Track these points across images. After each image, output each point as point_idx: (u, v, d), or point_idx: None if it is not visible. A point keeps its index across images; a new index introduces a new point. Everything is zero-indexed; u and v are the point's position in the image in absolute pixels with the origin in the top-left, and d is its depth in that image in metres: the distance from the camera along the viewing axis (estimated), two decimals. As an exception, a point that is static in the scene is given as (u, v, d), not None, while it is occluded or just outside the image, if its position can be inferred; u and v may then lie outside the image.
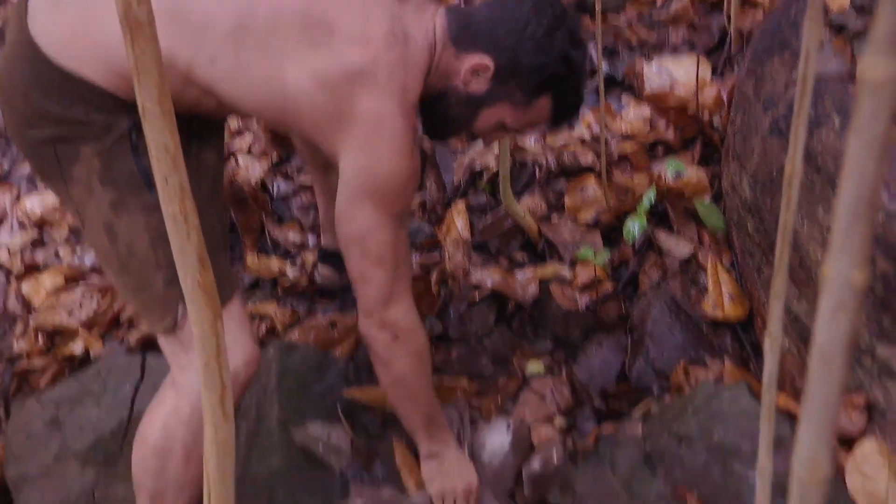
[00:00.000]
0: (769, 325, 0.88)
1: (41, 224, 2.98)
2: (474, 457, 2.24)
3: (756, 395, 1.80)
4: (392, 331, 1.86)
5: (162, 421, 1.78)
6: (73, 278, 2.70)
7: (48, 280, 2.65)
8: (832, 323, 0.52)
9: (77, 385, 2.34)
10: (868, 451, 1.72)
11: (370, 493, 2.05)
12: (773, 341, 0.90)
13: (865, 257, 0.53)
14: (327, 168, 2.45)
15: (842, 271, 0.52)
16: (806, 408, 0.55)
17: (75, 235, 2.94)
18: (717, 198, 2.56)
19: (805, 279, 1.85)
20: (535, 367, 2.52)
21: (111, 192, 1.64)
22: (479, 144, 2.92)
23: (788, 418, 1.74)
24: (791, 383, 1.95)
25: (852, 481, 1.71)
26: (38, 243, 2.92)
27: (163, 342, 1.77)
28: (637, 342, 2.34)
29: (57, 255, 2.84)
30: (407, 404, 2.02)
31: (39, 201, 3.02)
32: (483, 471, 2.20)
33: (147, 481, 1.81)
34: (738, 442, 1.73)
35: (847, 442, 1.77)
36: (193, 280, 1.32)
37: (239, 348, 1.75)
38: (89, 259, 2.78)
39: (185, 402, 1.73)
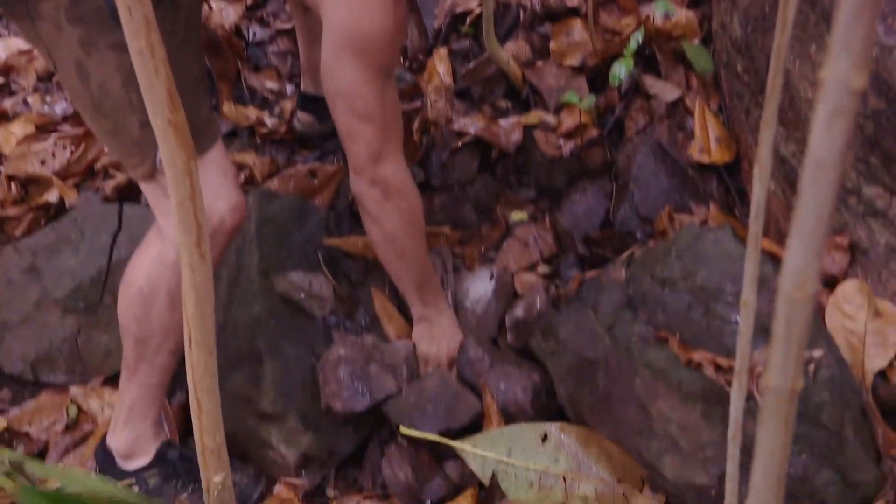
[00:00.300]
0: (759, 153, 0.86)
1: (7, 70, 2.89)
2: (457, 304, 2.25)
3: (740, 238, 1.80)
4: (382, 189, 1.83)
5: (147, 266, 1.78)
6: (45, 127, 2.63)
7: (18, 128, 2.59)
8: (828, 130, 0.50)
9: (54, 234, 2.32)
10: (849, 290, 1.73)
11: (352, 341, 2.07)
12: (762, 171, 0.88)
13: (866, 60, 0.50)
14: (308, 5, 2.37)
15: (841, 74, 0.49)
16: (797, 221, 0.53)
17: (44, 84, 2.86)
18: (707, 41, 2.49)
19: (794, 119, 1.82)
20: (518, 214, 2.51)
21: (80, 29, 1.57)
22: (462, -14, 2.82)
23: (772, 260, 1.74)
24: (776, 226, 1.94)
25: (832, 320, 1.73)
26: (4, 90, 2.84)
27: (145, 189, 1.74)
28: (622, 188, 2.33)
29: (26, 103, 2.76)
30: (397, 264, 2.01)
31: (4, 46, 2.91)
32: (466, 318, 2.22)
33: (132, 326, 1.82)
34: (721, 284, 1.74)
35: (829, 283, 1.78)
36: (163, 119, 1.27)
37: (223, 196, 1.73)
38: (60, 108, 2.70)
39: (170, 248, 1.72)
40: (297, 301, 2.13)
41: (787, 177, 1.90)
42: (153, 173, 1.68)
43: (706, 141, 2.27)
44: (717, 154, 2.25)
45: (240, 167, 2.48)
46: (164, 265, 1.75)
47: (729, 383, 1.63)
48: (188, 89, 1.52)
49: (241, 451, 2.07)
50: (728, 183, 2.25)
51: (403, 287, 2.09)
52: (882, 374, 1.73)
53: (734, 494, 0.99)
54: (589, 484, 1.77)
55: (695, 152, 2.27)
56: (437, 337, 2.10)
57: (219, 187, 1.71)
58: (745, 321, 0.93)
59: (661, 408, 1.70)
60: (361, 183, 1.85)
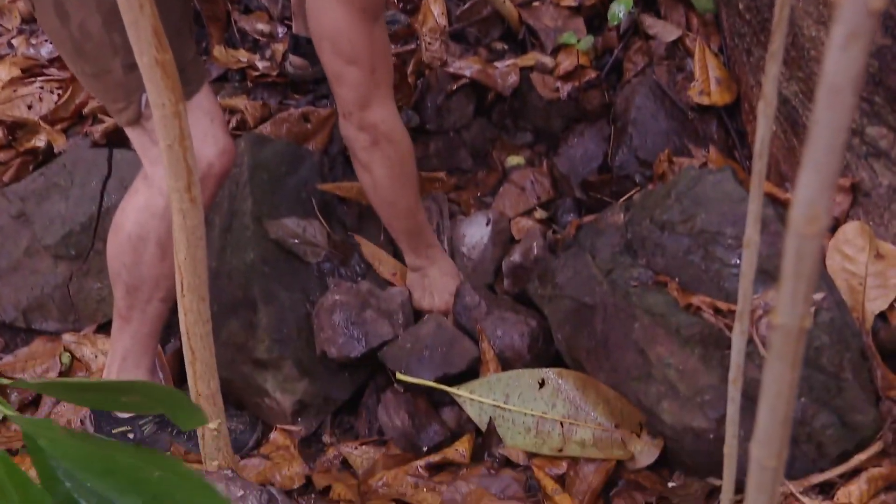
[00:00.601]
0: (764, 87, 0.83)
1: (-11, 12, 2.84)
2: (453, 250, 2.24)
3: (740, 181, 1.78)
4: (371, 134, 1.81)
5: (135, 214, 1.76)
6: (30, 70, 2.59)
7: (3, 71, 2.54)
8: (845, 53, 0.47)
9: (43, 179, 2.29)
10: (850, 232, 1.72)
11: (348, 287, 2.06)
12: (767, 106, 0.86)
13: (886, -21, 0.47)
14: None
15: (859, -7, 0.47)
16: (809, 151, 0.51)
17: (29, 25, 2.80)
18: (708, -21, 2.44)
19: (797, 58, 1.79)
20: (515, 159, 2.49)
21: (56, -35, 1.54)
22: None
23: (773, 203, 1.72)
24: (776, 169, 1.92)
25: (832, 262, 1.72)
26: (-13, 33, 2.79)
27: (131, 134, 1.72)
28: (620, 131, 2.30)
29: (10, 45, 2.71)
30: (388, 211, 1.99)
31: (-15, -13, 2.85)
32: (462, 264, 2.21)
33: (123, 274, 1.80)
34: (721, 227, 1.72)
35: (830, 225, 1.77)
36: (150, 57, 1.25)
37: (211, 140, 1.70)
38: (46, 51, 2.65)
39: (158, 196, 1.70)
40: (291, 247, 2.12)
41: (788, 118, 1.87)
42: (139, 118, 1.65)
43: (706, 82, 2.24)
44: (717, 95, 2.22)
45: (231, 112, 2.45)
46: (152, 213, 1.72)
47: (728, 327, 1.63)
48: (172, 30, 1.49)
49: (237, 398, 2.07)
50: (728, 125, 2.22)
51: (395, 235, 2.07)
52: (882, 316, 1.72)
53: (734, 437, 0.99)
54: (586, 429, 1.77)
55: (695, 94, 2.24)
56: (428, 287, 2.09)
57: (206, 132, 1.68)
58: (747, 261, 0.91)
59: (660, 352, 1.70)
60: (350, 128, 1.82)
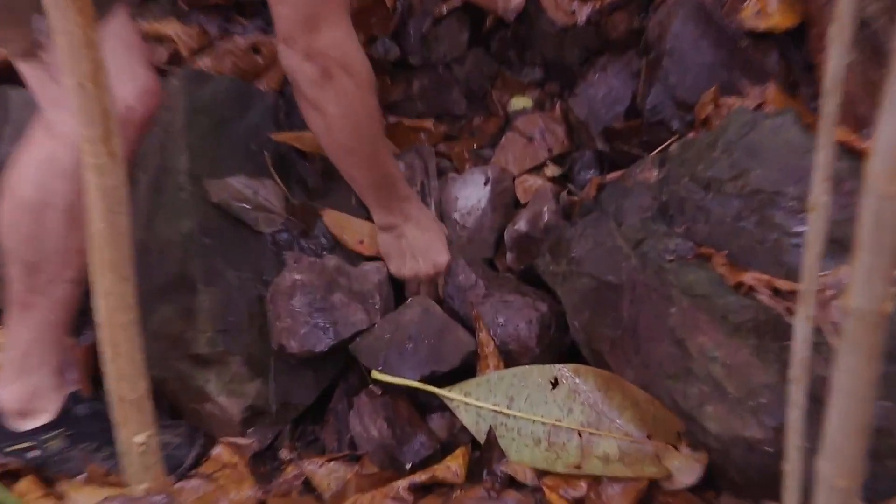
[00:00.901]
0: (839, 4, 0.82)
1: None
2: (443, 217, 2.23)
3: (806, 126, 1.77)
4: (320, 64, 1.79)
5: (33, 174, 1.74)
6: None
7: None
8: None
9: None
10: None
11: (310, 264, 2.06)
12: (842, 29, 0.85)
13: None
14: None
15: None
16: (892, 91, 0.50)
17: None
18: None
19: (878, -29, 1.78)
20: (520, 101, 2.49)
21: None
22: None
23: (847, 154, 1.71)
24: (852, 111, 1.92)
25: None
26: None
27: (25, 71, 1.70)
28: (653, 64, 2.29)
29: None
30: (347, 161, 1.98)
31: None
32: (455, 234, 2.21)
33: (20, 250, 1.79)
34: (781, 185, 1.72)
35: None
36: (51, -30, 1.23)
37: (129, 77, 1.69)
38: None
39: (64, 148, 1.68)
40: (238, 213, 2.11)
41: (869, 43, 1.87)
42: (34, 49, 1.63)
43: (763, 1, 2.23)
44: (777, 17, 2.21)
45: (159, 40, 2.44)
46: (56, 171, 1.71)
47: (789, 311, 1.62)
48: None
49: (171, 403, 2.07)
50: (791, 55, 2.21)
51: (359, 190, 2.07)
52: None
53: (797, 450, 0.98)
54: (611, 440, 1.78)
55: (748, 16, 2.23)
56: (408, 249, 2.09)
57: (123, 66, 1.66)
58: (814, 228, 0.90)
59: (702, 343, 1.69)
60: (293, 57, 1.80)
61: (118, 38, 1.67)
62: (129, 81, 1.68)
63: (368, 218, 2.17)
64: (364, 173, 2.00)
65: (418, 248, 2.09)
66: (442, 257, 2.10)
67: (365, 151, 1.96)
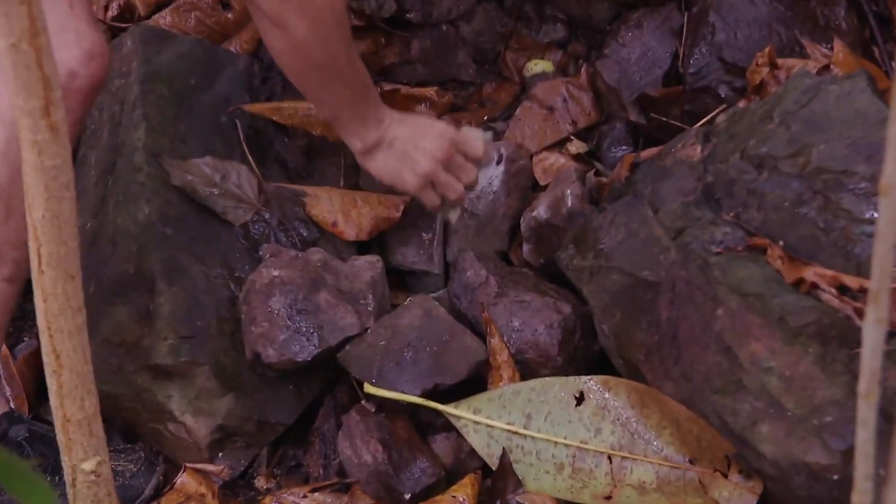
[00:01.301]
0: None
1: None
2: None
3: (882, 92, 1.76)
4: None
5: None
6: None
7: None
8: None
9: None
10: None
11: (291, 259, 2.05)
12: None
13: None
14: None
15: None
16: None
17: None
18: None
19: None
20: (539, 64, 2.49)
21: None
22: None
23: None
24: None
25: None
26: None
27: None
28: (696, 20, 2.29)
29: None
30: (318, 81, 1.99)
31: None
32: (463, 222, 2.21)
33: (-55, 241, 1.80)
34: (850, 164, 1.71)
35: None
36: None
37: (72, 37, 1.70)
38: None
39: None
40: (205, 200, 2.11)
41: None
42: None
43: (829, -58, 2.23)
44: (846, -38, 2.21)
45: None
46: None
47: (858, 313, 1.62)
48: None
49: (126, 423, 2.07)
50: (863, 6, 2.21)
51: (333, 112, 2.07)
52: None
53: (868, 479, 0.98)
54: (647, 465, 1.78)
55: (811, -41, 2.23)
56: (402, 149, 2.09)
57: (64, 24, 1.67)
58: (884, 216, 0.90)
59: (755, 351, 1.69)
60: None
61: None
62: (73, 44, 1.69)
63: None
64: (340, 90, 2.00)
65: (415, 143, 2.09)
66: (447, 130, 2.13)
67: (341, 63, 1.96)
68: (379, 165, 2.10)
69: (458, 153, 2.12)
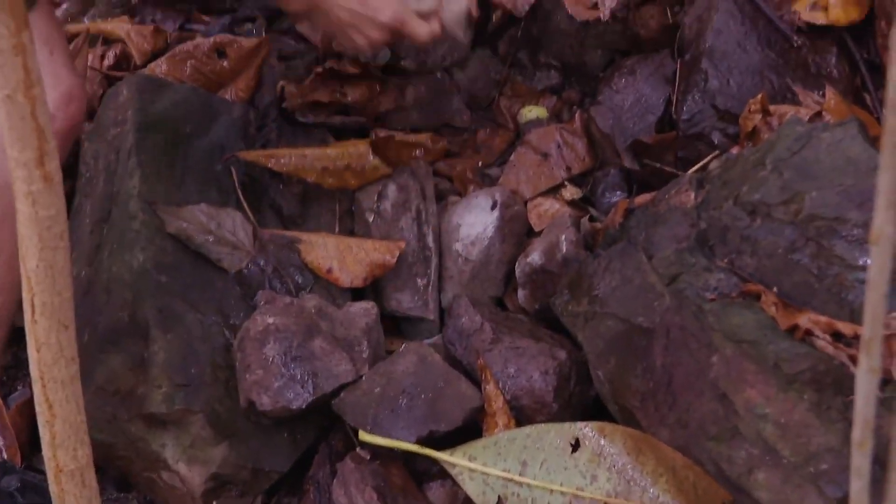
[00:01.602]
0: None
1: None
2: (443, 248, 2.24)
3: (873, 139, 1.77)
4: None
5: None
6: None
7: None
8: None
9: None
10: None
11: (286, 306, 2.05)
12: (905, 28, 0.85)
13: None
14: None
15: None
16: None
17: None
18: None
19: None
20: (533, 111, 2.50)
21: None
22: None
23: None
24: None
25: None
26: None
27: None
28: (690, 67, 2.30)
29: None
30: None
31: None
32: (457, 268, 2.21)
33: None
34: (843, 211, 1.71)
35: None
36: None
37: (49, 80, 1.68)
38: None
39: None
40: (200, 247, 2.12)
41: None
42: None
43: (821, -9, 2.24)
44: (838, 11, 2.21)
45: (106, 41, 2.45)
46: None
47: (853, 360, 1.62)
48: None
49: (120, 472, 2.06)
50: (854, 55, 2.22)
51: None
52: None
53: (863, 527, 0.98)
54: (643, 513, 1.77)
55: (804, 8, 2.23)
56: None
57: (42, 68, 1.67)
58: (876, 264, 0.90)
59: (750, 398, 1.69)
60: None
61: (37, 32, 1.68)
62: (48, 86, 1.69)
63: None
64: None
65: None
66: None
67: None
68: (323, 18, 2.12)
69: None
